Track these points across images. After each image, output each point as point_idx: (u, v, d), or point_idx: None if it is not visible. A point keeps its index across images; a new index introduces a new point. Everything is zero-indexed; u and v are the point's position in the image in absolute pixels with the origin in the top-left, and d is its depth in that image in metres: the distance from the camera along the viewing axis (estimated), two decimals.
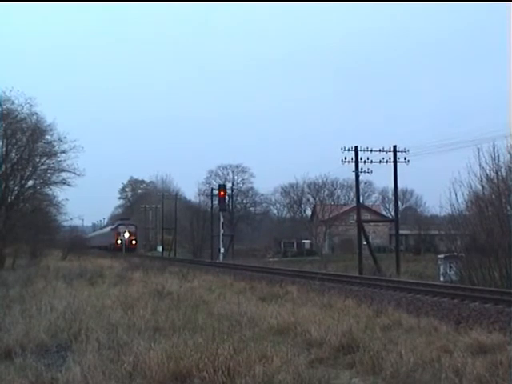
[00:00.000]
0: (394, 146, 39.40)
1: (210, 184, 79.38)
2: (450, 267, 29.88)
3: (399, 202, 54.30)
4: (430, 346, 8.46)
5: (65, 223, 53.66)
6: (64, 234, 61.51)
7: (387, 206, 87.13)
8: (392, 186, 42.09)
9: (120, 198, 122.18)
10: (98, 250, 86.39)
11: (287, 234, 77.47)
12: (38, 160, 38.79)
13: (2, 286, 18.81)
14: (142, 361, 7.27)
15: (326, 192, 72.94)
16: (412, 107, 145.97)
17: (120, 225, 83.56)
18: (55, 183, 40.61)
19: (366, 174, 40.17)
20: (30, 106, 36.42)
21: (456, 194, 26.98)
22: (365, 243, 40.85)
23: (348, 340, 8.74)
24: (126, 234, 78.44)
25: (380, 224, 73.91)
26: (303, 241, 75.48)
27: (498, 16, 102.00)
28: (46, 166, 39.69)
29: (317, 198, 73.01)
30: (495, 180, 26.41)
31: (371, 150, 39.16)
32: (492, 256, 24.32)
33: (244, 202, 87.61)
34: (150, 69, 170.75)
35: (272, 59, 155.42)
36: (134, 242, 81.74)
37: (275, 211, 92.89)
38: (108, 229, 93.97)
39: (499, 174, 26.34)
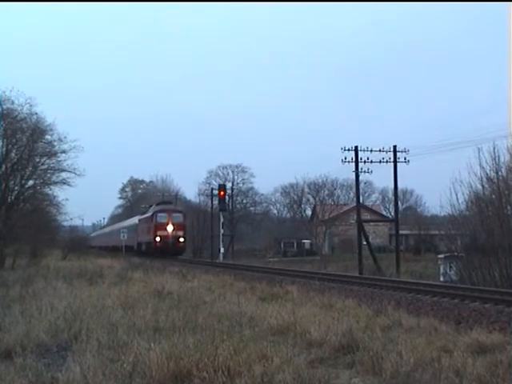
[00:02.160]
0: (394, 146, 39.47)
1: (210, 184, 79.43)
2: (450, 267, 29.93)
3: (399, 202, 54.41)
4: (430, 346, 8.45)
5: (65, 223, 53.74)
6: (64, 234, 61.52)
7: (387, 205, 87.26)
8: (392, 185, 42.18)
9: (120, 198, 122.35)
10: (104, 252, 66.54)
11: (287, 233, 77.56)
12: (38, 160, 38.87)
13: (2, 286, 18.80)
14: (142, 361, 7.27)
15: (326, 192, 72.97)
16: (412, 107, 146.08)
17: (159, 212, 51.95)
18: (55, 183, 40.73)
19: (366, 173, 40.30)
20: (30, 105, 36.52)
21: (456, 194, 27.06)
22: (365, 243, 40.90)
23: (348, 340, 8.74)
24: (170, 228, 50.10)
25: (380, 224, 74.04)
26: (303, 241, 75.53)
27: (498, 16, 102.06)
28: (46, 166, 39.78)
29: (317, 198, 73.05)
30: (495, 180, 26.44)
31: (371, 150, 39.24)
32: (492, 256, 24.37)
33: (244, 201, 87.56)
34: (150, 68, 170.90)
35: (272, 59, 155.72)
36: (181, 239, 50.93)
37: (275, 211, 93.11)
38: (135, 220, 62.96)
39: (499, 173, 26.38)
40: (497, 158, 26.11)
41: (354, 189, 47.28)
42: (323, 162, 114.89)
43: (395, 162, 39.32)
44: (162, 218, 50.86)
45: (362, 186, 52.30)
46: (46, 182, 41.00)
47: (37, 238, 42.61)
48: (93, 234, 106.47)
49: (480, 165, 26.16)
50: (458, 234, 29.14)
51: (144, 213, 60.18)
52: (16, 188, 38.49)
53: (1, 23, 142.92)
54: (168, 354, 7.37)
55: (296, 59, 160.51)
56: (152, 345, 7.93)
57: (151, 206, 60.70)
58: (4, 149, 36.23)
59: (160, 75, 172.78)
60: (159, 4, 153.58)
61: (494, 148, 26.05)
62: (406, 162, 39.45)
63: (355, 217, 45.07)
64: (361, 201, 47.74)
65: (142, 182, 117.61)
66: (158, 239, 49.60)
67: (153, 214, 52.01)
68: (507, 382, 6.60)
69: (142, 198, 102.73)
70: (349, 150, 39.04)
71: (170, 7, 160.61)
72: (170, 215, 51.20)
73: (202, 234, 73.03)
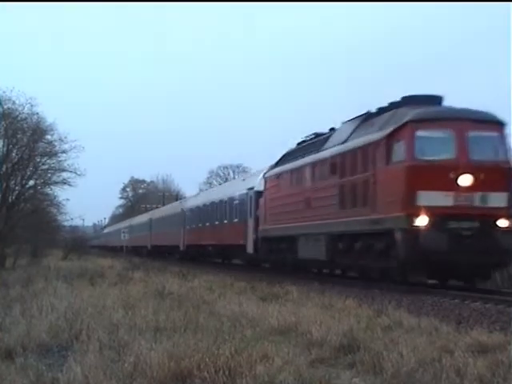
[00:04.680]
0: None
1: (210, 184, 79.29)
2: None
3: None
4: (431, 346, 8.44)
5: (65, 223, 53.77)
6: (65, 234, 61.62)
7: None
8: None
9: (121, 198, 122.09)
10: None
11: None
12: (38, 160, 38.89)
13: (3, 286, 18.80)
14: (143, 361, 7.26)
15: None
16: None
17: (425, 125, 14.46)
18: (56, 183, 40.75)
19: None
20: (31, 105, 36.51)
21: None
22: None
23: (349, 340, 8.73)
24: (467, 179, 14.16)
25: None
26: None
27: (499, 16, 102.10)
28: (46, 166, 39.80)
29: None
30: None
31: None
32: None
33: None
34: (150, 68, 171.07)
35: (272, 58, 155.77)
36: (504, 222, 14.47)
37: None
38: (242, 183, 31.14)
39: None
40: None
41: None
42: None
43: None
44: (436, 143, 14.97)
45: None
46: (47, 181, 41.06)
47: (37, 238, 42.70)
48: (107, 230, 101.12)
49: None
50: None
51: (317, 141, 22.88)
52: (17, 188, 38.54)
53: (1, 23, 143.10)
54: (169, 353, 7.37)
55: (296, 58, 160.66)
56: (153, 345, 7.93)
57: (387, 107, 17.64)
58: (5, 149, 36.31)
59: (160, 75, 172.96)
60: (158, 4, 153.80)
61: None
62: None
63: None
64: None
65: (143, 181, 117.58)
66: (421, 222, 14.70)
67: (404, 124, 15.18)
68: (508, 382, 6.61)
69: (143, 197, 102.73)
70: None
71: (170, 7, 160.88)
72: (463, 135, 14.77)
73: None
